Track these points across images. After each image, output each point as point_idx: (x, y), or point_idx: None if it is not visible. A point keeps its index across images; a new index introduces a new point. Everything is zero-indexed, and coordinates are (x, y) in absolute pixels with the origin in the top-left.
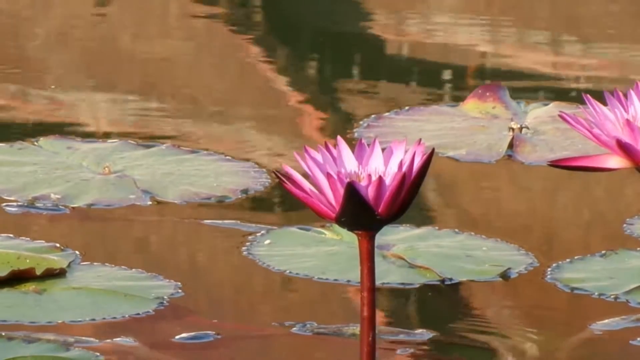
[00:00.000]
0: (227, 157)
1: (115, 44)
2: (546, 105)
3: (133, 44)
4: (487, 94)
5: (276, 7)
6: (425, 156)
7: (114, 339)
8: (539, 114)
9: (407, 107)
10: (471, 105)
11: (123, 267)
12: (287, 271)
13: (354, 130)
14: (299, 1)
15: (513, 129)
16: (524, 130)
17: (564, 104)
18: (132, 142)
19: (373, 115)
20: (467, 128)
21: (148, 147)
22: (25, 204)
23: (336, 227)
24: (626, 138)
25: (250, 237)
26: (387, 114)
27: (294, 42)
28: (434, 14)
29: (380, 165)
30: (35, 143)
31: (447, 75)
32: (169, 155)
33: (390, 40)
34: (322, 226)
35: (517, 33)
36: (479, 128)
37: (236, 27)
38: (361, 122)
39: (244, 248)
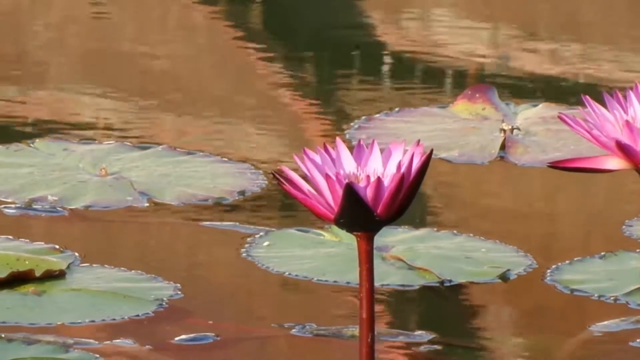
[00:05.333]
0: (224, 159)
1: (115, 44)
2: (535, 106)
3: (132, 45)
4: (477, 95)
5: (276, 8)
6: (423, 157)
7: (114, 341)
8: (529, 115)
9: (397, 109)
10: (461, 106)
11: (122, 268)
12: (287, 273)
13: (345, 132)
14: (299, 1)
15: (504, 130)
16: (515, 131)
17: (553, 104)
18: (128, 143)
19: (364, 117)
20: (459, 129)
21: (144, 148)
22: (23, 206)
23: (335, 228)
24: (625, 139)
25: (248, 239)
26: (377, 115)
27: (293, 43)
28: (433, 15)
29: (379, 166)
30: (32, 145)
31: (445, 76)
32: (165, 156)
33: (389, 41)
34: (321, 228)
35: (516, 34)
36: (471, 129)
37: (236, 27)
38: (352, 124)
39: (242, 250)
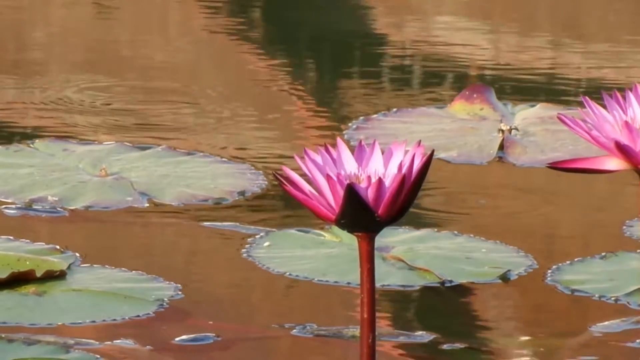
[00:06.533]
0: (223, 159)
1: (115, 44)
2: (533, 106)
3: (133, 45)
4: (474, 95)
5: (277, 8)
6: (425, 158)
7: (114, 341)
8: (527, 115)
9: (395, 109)
10: (458, 106)
11: (123, 269)
12: (287, 273)
13: (343, 132)
14: (299, 1)
15: (503, 131)
16: (513, 131)
17: (551, 104)
18: (128, 144)
19: (362, 117)
20: (457, 129)
21: (144, 149)
22: (23, 206)
23: (335, 229)
24: (625, 140)
25: (249, 239)
26: (375, 115)
27: (293, 42)
28: (433, 15)
29: (380, 167)
30: (32, 145)
31: (446, 76)
32: (165, 157)
33: (390, 41)
34: (322, 228)
35: (515, 33)
36: (469, 130)
37: (236, 27)
38: (350, 124)
39: (243, 250)
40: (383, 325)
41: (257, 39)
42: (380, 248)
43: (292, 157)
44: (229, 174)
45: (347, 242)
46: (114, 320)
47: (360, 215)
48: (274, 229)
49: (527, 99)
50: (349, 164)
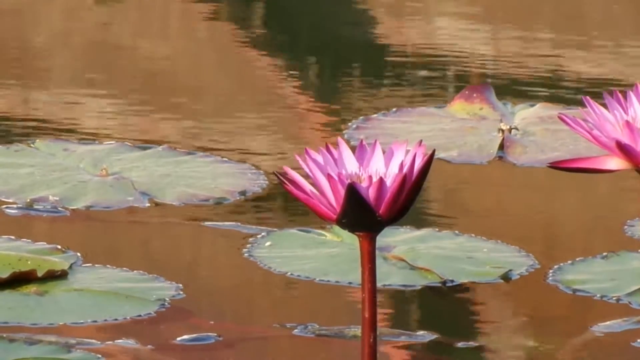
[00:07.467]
0: (224, 159)
1: (116, 43)
2: (532, 106)
3: (134, 44)
4: (474, 95)
5: (278, 7)
6: (426, 157)
7: (116, 341)
8: (526, 115)
9: (394, 109)
10: (458, 106)
11: (124, 268)
12: (288, 273)
13: (343, 132)
14: (301, 2)
15: (503, 130)
16: (513, 131)
17: (550, 104)
18: (129, 143)
19: (361, 117)
20: (457, 129)
21: (144, 148)
22: (24, 206)
23: (336, 228)
24: (626, 139)
25: (250, 239)
26: (375, 115)
27: (294, 42)
28: (434, 14)
29: (381, 166)
30: (32, 145)
31: (446, 75)
32: (165, 157)
33: (389, 41)
34: (323, 228)
35: (516, 33)
36: (468, 129)
37: (237, 27)
38: (350, 124)
39: (244, 250)
40: (384, 325)
41: (258, 39)
42: (381, 248)
43: (293, 157)
44: (229, 173)
45: (348, 242)
46: (116, 320)
47: (362, 214)
48: (275, 229)
49: (527, 98)
50: (350, 164)
